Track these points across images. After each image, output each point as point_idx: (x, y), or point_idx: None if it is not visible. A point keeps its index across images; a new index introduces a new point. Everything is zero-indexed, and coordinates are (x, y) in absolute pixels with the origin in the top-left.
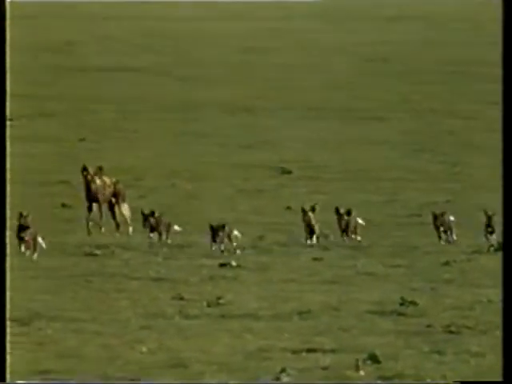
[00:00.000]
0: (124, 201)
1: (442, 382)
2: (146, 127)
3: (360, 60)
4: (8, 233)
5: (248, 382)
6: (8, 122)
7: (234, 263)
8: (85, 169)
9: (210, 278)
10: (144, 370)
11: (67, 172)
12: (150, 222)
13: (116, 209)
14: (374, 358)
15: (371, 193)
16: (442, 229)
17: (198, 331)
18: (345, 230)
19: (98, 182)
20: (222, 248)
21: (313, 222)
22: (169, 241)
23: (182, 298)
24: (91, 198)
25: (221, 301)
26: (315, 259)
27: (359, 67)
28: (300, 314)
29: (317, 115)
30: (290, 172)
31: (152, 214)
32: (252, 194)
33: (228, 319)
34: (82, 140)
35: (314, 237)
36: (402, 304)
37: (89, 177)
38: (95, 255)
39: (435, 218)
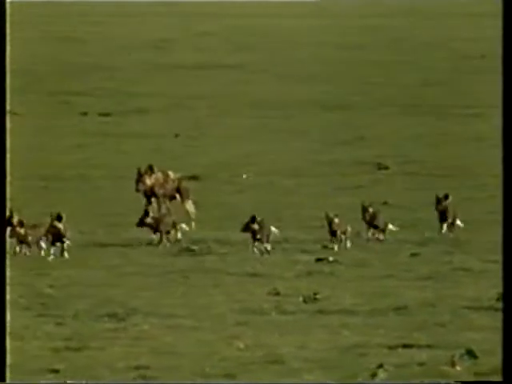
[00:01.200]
0: (188, 197)
1: (443, 382)
2: (242, 124)
3: (457, 57)
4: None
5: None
6: (104, 118)
7: (330, 258)
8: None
9: (306, 273)
10: (241, 366)
11: (163, 168)
12: (251, 228)
13: (182, 205)
14: (471, 354)
15: (471, 189)
16: None
17: (295, 327)
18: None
19: (154, 177)
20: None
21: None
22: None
23: (278, 294)
24: (147, 192)
25: (317, 296)
26: (413, 255)
27: (456, 64)
28: (396, 309)
29: (413, 111)
30: (387, 168)
31: (253, 220)
32: (349, 190)
33: (324, 315)
34: (177, 136)
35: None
36: (498, 299)
37: (142, 172)
38: (192, 251)
39: None
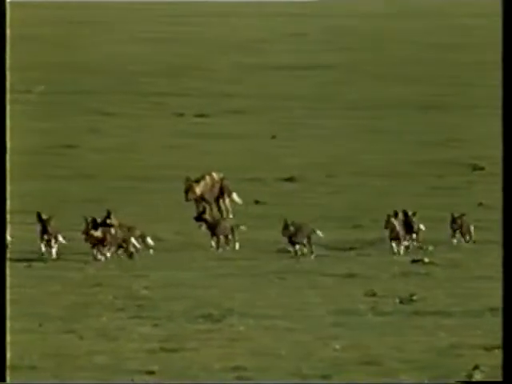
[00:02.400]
0: (229, 195)
1: (442, 381)
2: (337, 125)
3: None
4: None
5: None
6: (200, 119)
7: (426, 260)
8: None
9: (402, 274)
10: (337, 367)
11: (260, 169)
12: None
13: (221, 202)
14: None
15: None
16: None
17: (391, 328)
18: None
19: (202, 184)
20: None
21: None
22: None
23: (374, 295)
24: (198, 200)
25: (414, 297)
26: None
27: None
28: (492, 310)
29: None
30: (482, 168)
31: (285, 225)
32: (444, 191)
33: (420, 316)
34: (274, 137)
35: None
36: None
37: (190, 184)
38: (289, 252)
39: None
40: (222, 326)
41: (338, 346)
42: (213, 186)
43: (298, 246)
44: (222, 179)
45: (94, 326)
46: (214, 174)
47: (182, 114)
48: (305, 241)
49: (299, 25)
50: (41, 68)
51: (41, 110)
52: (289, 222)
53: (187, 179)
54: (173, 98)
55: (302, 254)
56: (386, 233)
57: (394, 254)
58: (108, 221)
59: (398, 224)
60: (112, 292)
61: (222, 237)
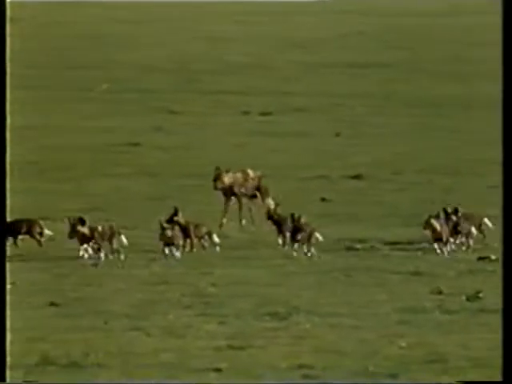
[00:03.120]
0: (268, 195)
1: (442, 382)
2: (399, 122)
3: None
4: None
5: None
6: (264, 118)
7: (493, 257)
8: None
9: (468, 271)
10: (403, 365)
11: (325, 167)
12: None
13: (267, 201)
14: None
15: None
16: None
17: (457, 326)
18: None
19: (232, 175)
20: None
21: None
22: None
23: (440, 293)
24: (226, 191)
25: (480, 295)
26: None
27: None
28: None
29: None
30: None
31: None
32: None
33: (487, 313)
34: (338, 135)
35: None
36: None
37: (219, 172)
38: (356, 249)
39: None
40: (288, 323)
41: (403, 344)
42: (245, 181)
43: (296, 245)
44: (259, 178)
45: (160, 323)
46: (250, 171)
47: (246, 112)
48: (305, 240)
49: (358, 23)
50: (105, 66)
51: (104, 108)
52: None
53: (217, 168)
54: (237, 97)
55: (305, 254)
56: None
57: (437, 254)
58: (175, 218)
59: (439, 224)
60: (179, 289)
61: (288, 234)
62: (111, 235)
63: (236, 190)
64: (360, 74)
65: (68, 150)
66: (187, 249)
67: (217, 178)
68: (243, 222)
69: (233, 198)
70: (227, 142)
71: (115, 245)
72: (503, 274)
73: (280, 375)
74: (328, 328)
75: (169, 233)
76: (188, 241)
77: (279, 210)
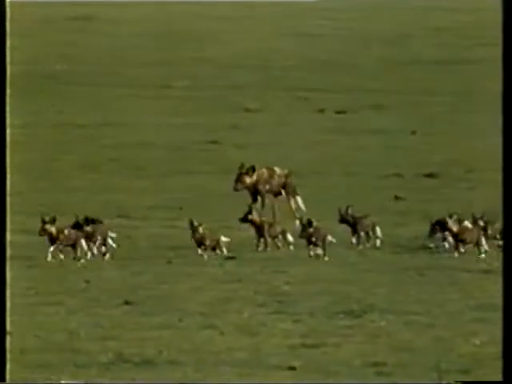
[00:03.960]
0: (295, 194)
1: (442, 382)
2: (477, 120)
3: None
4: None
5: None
6: (340, 116)
7: None
8: (241, 166)
9: None
10: (476, 362)
11: (400, 165)
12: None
13: (291, 200)
14: None
15: None
16: None
17: None
18: None
19: (256, 174)
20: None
21: None
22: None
23: None
24: (251, 190)
25: None
26: None
27: None
28: None
29: None
30: None
31: (309, 223)
32: None
33: None
34: (414, 133)
35: None
36: None
37: (243, 170)
38: (429, 248)
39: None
40: (362, 321)
41: (477, 342)
42: (271, 179)
43: (311, 247)
44: (286, 176)
45: (234, 321)
46: (277, 169)
47: (322, 110)
48: (320, 242)
49: (438, 19)
50: (185, 63)
51: (183, 105)
52: (305, 223)
53: (240, 167)
54: (315, 94)
55: (317, 256)
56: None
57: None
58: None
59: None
60: (253, 288)
61: (362, 233)
62: (77, 239)
63: (260, 187)
64: (443, 71)
65: (146, 148)
66: (261, 248)
67: (238, 178)
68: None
69: (258, 196)
70: (304, 140)
71: (80, 250)
72: (503, 274)
73: (354, 373)
74: (402, 326)
75: (49, 229)
76: (262, 240)
77: (351, 211)
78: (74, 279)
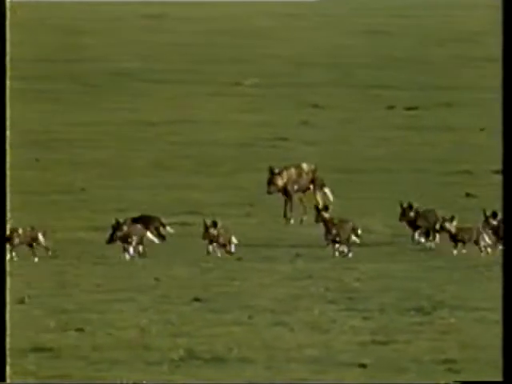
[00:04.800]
0: (322, 187)
1: (442, 382)
2: None
3: None
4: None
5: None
6: (410, 112)
7: None
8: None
9: None
10: None
11: (470, 162)
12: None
13: (312, 194)
14: None
15: None
16: None
17: None
18: None
19: (286, 174)
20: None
21: None
22: None
23: None
24: (281, 191)
25: None
26: None
27: None
28: None
29: None
30: None
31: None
32: None
33: None
34: (483, 130)
35: None
36: None
37: (271, 176)
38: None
39: None
40: (432, 318)
41: None
42: (299, 177)
43: (337, 245)
44: (313, 171)
45: (305, 318)
46: (304, 165)
47: (392, 107)
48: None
49: None
50: (255, 60)
51: (253, 102)
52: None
53: (270, 170)
54: (385, 91)
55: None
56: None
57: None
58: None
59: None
60: (323, 284)
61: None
62: (32, 239)
63: (289, 187)
64: None
65: (217, 145)
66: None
67: (270, 181)
68: (291, 220)
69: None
70: (373, 137)
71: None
72: (503, 274)
73: (424, 370)
74: (472, 322)
75: (212, 231)
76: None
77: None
78: (143, 276)
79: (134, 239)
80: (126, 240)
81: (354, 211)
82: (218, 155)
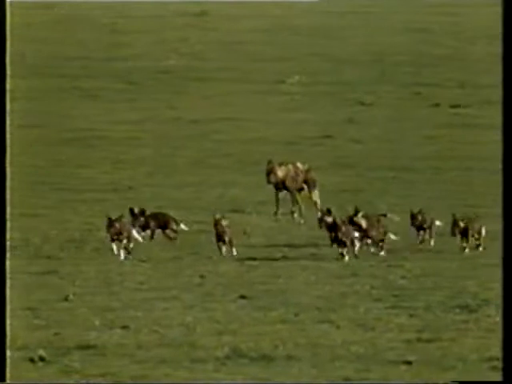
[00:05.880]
0: (315, 188)
1: (442, 382)
2: None
3: None
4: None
5: None
6: (454, 110)
7: None
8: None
9: None
10: None
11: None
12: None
13: (312, 195)
14: None
15: None
16: None
17: None
18: None
19: (285, 169)
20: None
21: None
22: None
23: None
24: (278, 185)
25: None
26: None
27: None
28: None
29: None
30: None
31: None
32: None
33: None
34: None
35: None
36: None
37: (272, 166)
38: None
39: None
40: (478, 316)
41: None
42: (296, 175)
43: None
44: (306, 171)
45: (350, 316)
46: (299, 164)
47: (437, 105)
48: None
49: None
50: (297, 58)
51: (296, 100)
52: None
53: (269, 162)
54: (430, 88)
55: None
56: None
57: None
58: (354, 218)
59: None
60: (369, 282)
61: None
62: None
63: (288, 183)
64: None
65: (260, 143)
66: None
67: (270, 171)
68: (295, 215)
69: (284, 191)
70: (419, 135)
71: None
72: (503, 274)
73: (469, 368)
74: None
75: (223, 229)
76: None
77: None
78: (188, 274)
79: (125, 237)
80: (118, 238)
81: (400, 209)
82: (261, 153)
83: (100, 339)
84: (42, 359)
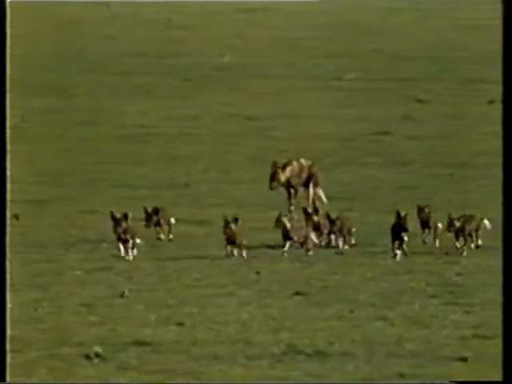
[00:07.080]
0: (317, 184)
1: (442, 381)
2: None
3: None
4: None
5: None
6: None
7: None
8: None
9: None
10: None
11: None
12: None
13: (310, 191)
14: None
15: None
16: None
17: None
18: None
19: (289, 169)
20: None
21: None
22: None
23: None
24: (285, 186)
25: None
26: None
27: None
28: None
29: None
30: None
31: None
32: None
33: None
34: None
35: None
36: None
37: (275, 170)
38: None
39: None
40: None
41: None
42: (301, 171)
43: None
44: (310, 166)
45: (405, 312)
46: (303, 160)
47: (492, 101)
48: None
49: None
50: (354, 55)
51: (353, 96)
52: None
53: (273, 164)
54: (486, 85)
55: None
56: None
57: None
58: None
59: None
60: (424, 279)
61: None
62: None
63: (293, 182)
64: None
65: (317, 139)
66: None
67: (273, 176)
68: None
69: (292, 190)
70: (475, 132)
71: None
72: (503, 273)
73: None
74: None
75: (233, 228)
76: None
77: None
78: (244, 271)
79: (129, 236)
80: (125, 237)
81: (457, 205)
82: (318, 150)
83: (155, 336)
84: (97, 356)
